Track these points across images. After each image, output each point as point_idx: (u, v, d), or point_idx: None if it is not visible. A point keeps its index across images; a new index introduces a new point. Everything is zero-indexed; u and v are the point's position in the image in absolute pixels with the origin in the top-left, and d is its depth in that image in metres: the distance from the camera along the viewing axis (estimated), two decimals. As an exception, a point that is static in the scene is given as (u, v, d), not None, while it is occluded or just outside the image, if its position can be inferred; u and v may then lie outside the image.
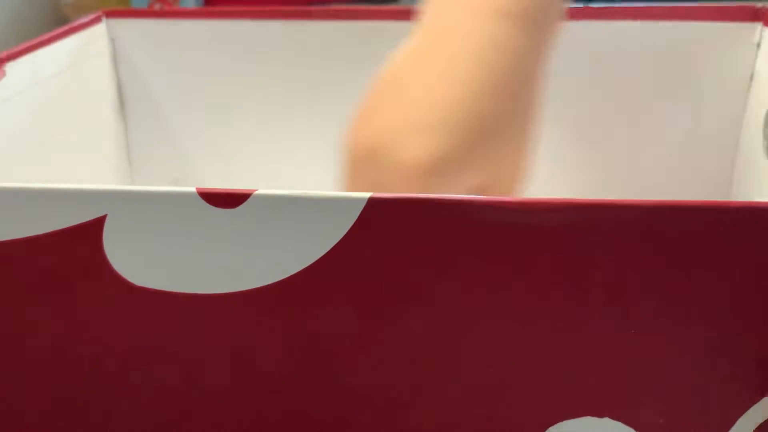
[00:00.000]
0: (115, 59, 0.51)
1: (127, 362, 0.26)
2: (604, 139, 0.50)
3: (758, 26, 0.48)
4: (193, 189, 0.23)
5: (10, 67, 0.40)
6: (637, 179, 0.51)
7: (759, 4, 0.48)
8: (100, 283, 0.24)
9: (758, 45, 0.48)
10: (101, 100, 0.50)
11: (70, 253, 0.24)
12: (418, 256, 0.23)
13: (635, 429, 0.25)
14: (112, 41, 0.50)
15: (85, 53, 0.48)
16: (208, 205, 0.23)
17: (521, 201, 0.22)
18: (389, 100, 0.34)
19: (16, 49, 0.41)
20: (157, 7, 0.73)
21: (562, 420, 0.25)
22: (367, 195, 0.23)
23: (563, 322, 0.24)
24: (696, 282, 0.23)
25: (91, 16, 0.49)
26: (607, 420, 0.25)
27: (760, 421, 0.25)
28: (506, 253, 0.23)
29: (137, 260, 0.24)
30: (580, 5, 0.48)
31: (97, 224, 0.24)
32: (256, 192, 0.23)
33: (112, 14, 0.50)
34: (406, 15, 0.48)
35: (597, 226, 0.23)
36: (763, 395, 0.24)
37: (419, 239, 0.23)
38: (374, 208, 0.23)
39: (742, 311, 0.23)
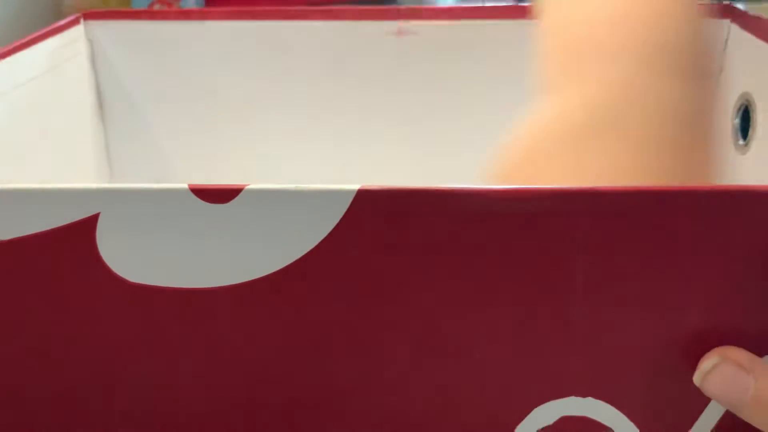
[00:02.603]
0: (93, 61, 0.51)
1: (122, 358, 0.26)
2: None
3: (726, 23, 0.49)
4: (185, 185, 0.24)
5: (-9, 69, 0.41)
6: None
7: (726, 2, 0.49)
8: (94, 281, 0.25)
9: (726, 41, 0.49)
10: (80, 102, 0.50)
11: (64, 252, 0.25)
12: (407, 246, 0.24)
13: (617, 408, 0.26)
14: (91, 43, 0.50)
15: (63, 55, 0.48)
16: (199, 200, 0.24)
17: (504, 189, 0.23)
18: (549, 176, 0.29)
19: (-4, 52, 0.41)
20: (157, 7, 0.73)
21: (547, 401, 0.26)
22: (356, 186, 0.23)
23: (548, 307, 0.25)
24: (675, 266, 0.24)
25: (69, 18, 0.49)
26: (590, 399, 0.26)
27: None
28: (491, 240, 0.24)
29: (131, 257, 0.25)
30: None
31: (91, 222, 0.24)
32: (248, 187, 0.23)
33: (90, 16, 0.50)
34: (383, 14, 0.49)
35: (578, 213, 0.23)
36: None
37: (408, 229, 0.24)
38: (363, 199, 0.23)
39: (718, 296, 0.24)
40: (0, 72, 0.42)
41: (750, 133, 0.46)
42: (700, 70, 0.31)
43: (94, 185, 0.24)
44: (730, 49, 0.49)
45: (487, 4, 0.50)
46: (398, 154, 0.52)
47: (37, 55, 0.45)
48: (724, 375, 0.24)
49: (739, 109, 0.47)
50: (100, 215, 0.24)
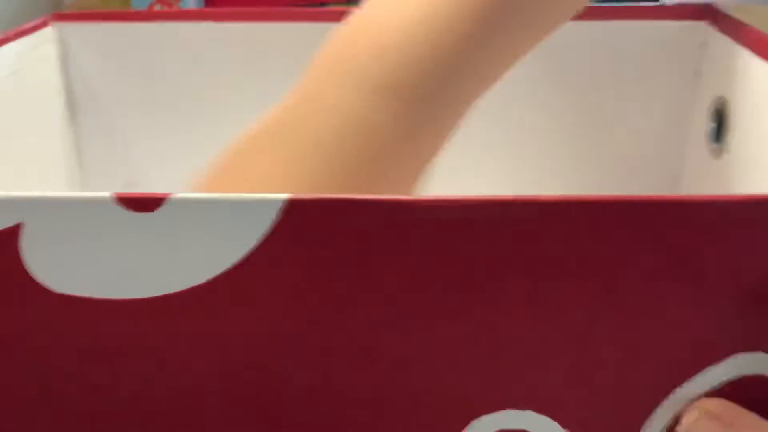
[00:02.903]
0: (64, 63, 0.50)
1: (53, 369, 0.26)
2: (554, 137, 0.51)
3: (702, 25, 0.48)
4: (108, 194, 0.23)
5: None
6: (588, 176, 0.52)
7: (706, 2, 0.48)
8: (20, 292, 0.24)
9: (702, 44, 0.49)
10: (50, 104, 0.50)
11: (-12, 261, 0.24)
12: (338, 256, 0.23)
13: (557, 421, 0.25)
14: (61, 44, 0.50)
15: (32, 57, 0.47)
16: (125, 209, 0.23)
17: (434, 199, 0.23)
18: (231, 177, 0.31)
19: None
20: (157, 7, 0.73)
21: (484, 413, 0.25)
22: (285, 196, 0.23)
23: (487, 316, 0.24)
24: (613, 274, 0.23)
25: (38, 20, 0.48)
26: (529, 413, 0.25)
27: (673, 413, 0.25)
28: (423, 251, 0.23)
29: (57, 267, 0.24)
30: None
31: (14, 232, 0.24)
32: (173, 195, 0.23)
33: (59, 17, 0.50)
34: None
35: (520, 221, 0.23)
36: (677, 386, 0.25)
37: (339, 239, 0.23)
38: (293, 208, 0.23)
39: (661, 302, 0.24)
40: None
41: (724, 136, 0.45)
42: (433, 98, 0.30)
43: (16, 194, 0.23)
44: (706, 51, 0.48)
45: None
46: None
47: (3, 56, 0.44)
48: (705, 429, 0.24)
49: (714, 112, 0.46)
50: (24, 225, 0.24)
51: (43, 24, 0.49)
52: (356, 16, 0.33)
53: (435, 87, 0.31)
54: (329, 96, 0.31)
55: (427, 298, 0.24)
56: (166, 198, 0.23)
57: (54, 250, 0.24)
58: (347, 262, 0.24)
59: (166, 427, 0.27)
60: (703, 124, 0.48)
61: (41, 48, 0.48)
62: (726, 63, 0.45)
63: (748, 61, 0.42)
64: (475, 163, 0.51)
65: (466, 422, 0.26)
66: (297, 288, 0.24)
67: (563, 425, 0.25)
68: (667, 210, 0.22)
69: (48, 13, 0.49)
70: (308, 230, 0.23)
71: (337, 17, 0.48)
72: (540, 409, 0.25)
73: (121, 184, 0.53)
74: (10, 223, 0.23)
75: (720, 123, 0.46)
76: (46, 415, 0.26)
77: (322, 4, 0.77)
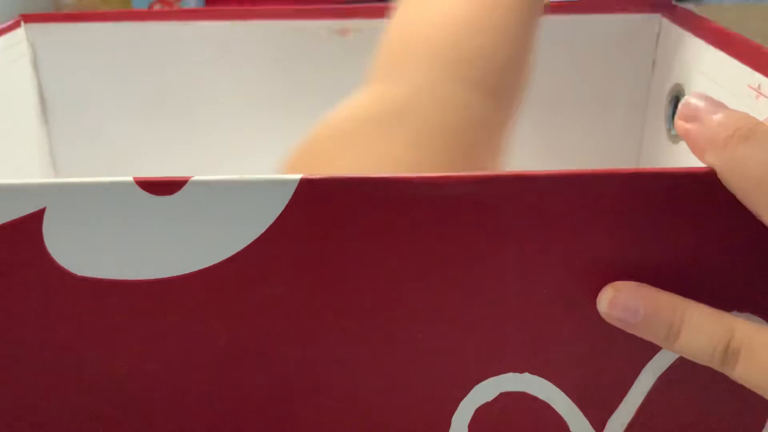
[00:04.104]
0: (35, 63, 0.51)
1: (76, 352, 0.27)
2: (518, 128, 0.53)
3: (657, 17, 0.51)
4: (130, 178, 0.24)
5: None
6: (553, 165, 0.54)
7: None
8: (43, 276, 0.25)
9: (658, 35, 0.51)
10: (22, 105, 0.50)
11: (11, 248, 0.25)
12: (348, 232, 0.25)
13: (553, 382, 0.27)
14: (32, 45, 0.50)
15: (3, 58, 0.47)
16: (145, 193, 0.24)
17: (431, 176, 0.24)
18: (340, 158, 0.32)
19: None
20: (157, 7, 0.73)
21: (487, 377, 0.27)
22: (299, 176, 0.24)
23: (482, 286, 0.26)
24: (596, 244, 0.25)
25: (10, 21, 0.49)
26: (527, 375, 0.27)
27: (660, 372, 0.27)
28: (424, 224, 0.25)
29: (79, 251, 0.25)
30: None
31: (37, 217, 0.24)
32: (193, 178, 0.24)
33: (30, 19, 0.50)
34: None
35: (503, 196, 0.24)
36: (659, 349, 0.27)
37: (348, 216, 0.25)
38: (306, 188, 0.24)
39: (644, 270, 0.26)
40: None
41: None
42: (506, 88, 0.35)
43: (39, 180, 0.24)
44: (662, 42, 0.51)
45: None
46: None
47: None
48: (622, 297, 0.25)
49: (671, 99, 0.49)
50: (46, 210, 0.24)
51: (16, 25, 0.49)
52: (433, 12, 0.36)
53: (514, 82, 0.36)
54: (443, 90, 0.33)
55: (430, 269, 0.25)
56: (186, 181, 0.24)
57: (76, 234, 0.25)
58: (354, 236, 0.25)
59: (177, 404, 0.28)
60: (662, 111, 0.50)
61: (13, 49, 0.49)
62: (681, 52, 0.48)
63: (702, 49, 0.45)
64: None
65: (470, 387, 0.27)
66: (309, 263, 0.25)
67: (559, 386, 0.27)
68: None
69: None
70: (319, 207, 0.24)
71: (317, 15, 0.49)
72: (537, 372, 0.27)
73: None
74: (32, 209, 0.24)
75: (676, 109, 0.48)
76: (70, 396, 0.27)
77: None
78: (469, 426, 0.28)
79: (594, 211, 0.25)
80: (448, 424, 0.28)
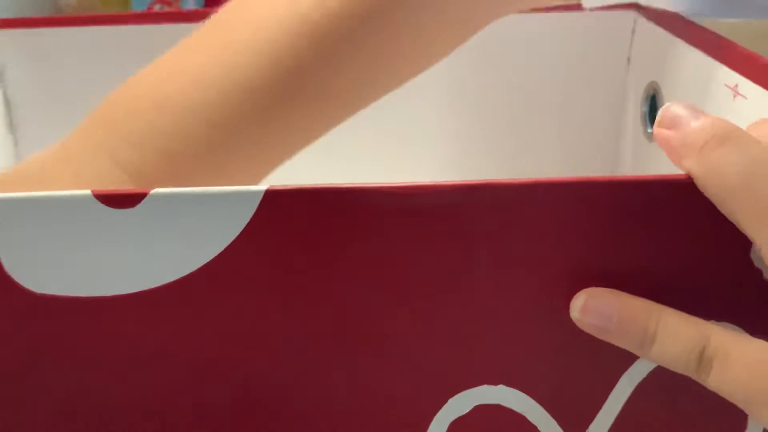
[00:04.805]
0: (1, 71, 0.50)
1: (36, 370, 0.26)
2: (497, 126, 0.52)
3: (632, 13, 0.50)
4: (88, 192, 0.23)
5: None
6: (531, 163, 0.53)
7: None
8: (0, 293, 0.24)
9: (633, 31, 0.51)
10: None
11: (-36, 265, 0.24)
12: (316, 244, 0.24)
13: (527, 393, 0.27)
14: (-2, 52, 0.49)
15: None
16: (104, 206, 0.23)
17: (403, 186, 0.23)
18: None
19: None
20: (157, 8, 0.72)
21: (461, 390, 0.26)
22: (264, 188, 0.23)
23: (453, 298, 0.25)
24: (570, 253, 0.25)
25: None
26: (502, 387, 0.26)
27: (637, 381, 0.27)
28: (391, 235, 0.24)
29: (36, 268, 0.24)
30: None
31: (-9, 233, 0.24)
32: (153, 191, 0.23)
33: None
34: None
35: (475, 206, 0.24)
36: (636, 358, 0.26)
37: (315, 228, 0.24)
38: (271, 200, 0.23)
39: (621, 279, 0.25)
40: None
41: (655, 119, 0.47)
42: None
43: (-8, 195, 0.23)
44: (637, 38, 0.51)
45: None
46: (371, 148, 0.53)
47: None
48: (595, 303, 0.25)
49: (647, 97, 0.49)
50: (1, 225, 0.24)
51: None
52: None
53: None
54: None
55: (401, 279, 0.25)
56: (146, 194, 0.23)
57: (32, 250, 0.24)
58: (322, 248, 0.24)
59: (145, 420, 0.27)
60: (637, 108, 0.50)
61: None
62: (656, 50, 0.48)
63: (677, 47, 0.45)
64: (420, 153, 0.52)
65: (444, 400, 0.27)
66: (275, 275, 0.24)
67: (534, 398, 0.27)
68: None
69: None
70: (285, 219, 0.24)
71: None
72: (512, 384, 0.26)
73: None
74: (-14, 225, 0.23)
75: (653, 108, 0.48)
76: (31, 411, 0.26)
77: None
78: (445, 439, 0.27)
79: (569, 219, 0.24)
80: (424, 438, 0.27)
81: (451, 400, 0.27)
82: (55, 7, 0.71)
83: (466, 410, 0.27)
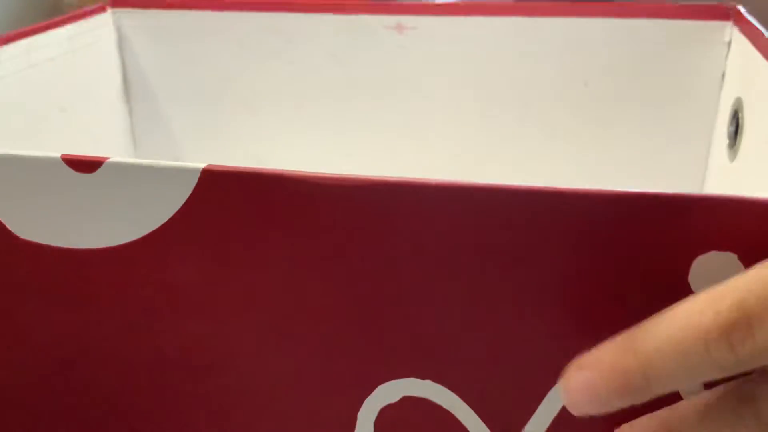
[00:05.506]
0: (120, 47, 0.55)
1: (18, 311, 0.29)
2: (577, 137, 0.51)
3: (728, 25, 0.47)
4: (57, 155, 0.26)
5: (4, 50, 0.45)
6: (609, 178, 0.52)
7: (730, 3, 0.47)
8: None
9: (728, 44, 0.48)
10: (105, 86, 0.54)
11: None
12: (252, 223, 0.26)
13: (453, 391, 0.27)
14: (118, 30, 0.55)
15: (85, 40, 0.52)
16: (70, 170, 0.26)
17: (334, 176, 0.25)
18: None
19: (12, 33, 0.46)
20: None
21: (389, 380, 0.27)
22: (201, 165, 0.25)
23: (384, 286, 0.26)
24: (506, 258, 0.25)
25: (94, 6, 0.53)
26: (428, 382, 0.27)
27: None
28: (321, 223, 0.25)
29: (20, 217, 0.28)
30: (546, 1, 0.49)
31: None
32: (109, 160, 0.26)
33: (116, 4, 0.54)
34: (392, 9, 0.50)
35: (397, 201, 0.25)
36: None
37: (250, 207, 0.26)
38: (208, 178, 0.25)
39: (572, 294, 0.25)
40: (15, 52, 0.46)
41: (738, 138, 0.45)
42: None
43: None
44: (732, 52, 0.48)
45: (488, 1, 0.51)
46: (400, 144, 0.54)
47: (57, 38, 0.49)
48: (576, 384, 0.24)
49: (733, 114, 0.46)
50: (-5, 179, 0.27)
51: (101, 9, 0.53)
52: None
53: None
54: None
55: (331, 263, 0.26)
56: (103, 162, 0.26)
57: (14, 201, 0.27)
58: (257, 227, 0.26)
59: (110, 369, 0.30)
60: (725, 126, 0.47)
61: (96, 32, 0.53)
62: (744, 66, 0.45)
63: (762, 65, 0.42)
64: (498, 159, 0.52)
65: (374, 386, 0.27)
66: (212, 249, 0.26)
67: (461, 396, 0.27)
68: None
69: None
70: (222, 198, 0.26)
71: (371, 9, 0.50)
72: (438, 380, 0.27)
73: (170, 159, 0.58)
74: (-22, 176, 0.27)
75: (736, 126, 0.45)
76: (13, 353, 0.30)
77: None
78: (375, 424, 0.28)
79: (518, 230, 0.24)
80: (354, 421, 0.28)
81: (379, 388, 0.27)
82: (55, 7, 0.76)
83: (395, 399, 0.27)
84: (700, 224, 0.23)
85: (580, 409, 0.23)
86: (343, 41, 0.52)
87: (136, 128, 0.58)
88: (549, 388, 0.26)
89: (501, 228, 0.24)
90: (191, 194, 0.26)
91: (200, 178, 0.25)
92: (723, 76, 0.49)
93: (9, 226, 0.28)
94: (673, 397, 0.24)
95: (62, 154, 0.26)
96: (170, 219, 0.26)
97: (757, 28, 0.43)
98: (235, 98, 0.56)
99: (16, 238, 0.28)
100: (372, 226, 0.25)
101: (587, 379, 0.23)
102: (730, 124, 0.46)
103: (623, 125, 0.51)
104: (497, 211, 0.24)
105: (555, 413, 0.27)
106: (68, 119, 0.51)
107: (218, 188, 0.26)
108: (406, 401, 0.27)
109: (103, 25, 0.54)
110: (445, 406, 0.27)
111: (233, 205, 0.26)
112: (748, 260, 0.23)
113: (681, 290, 0.24)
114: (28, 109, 0.48)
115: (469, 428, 0.27)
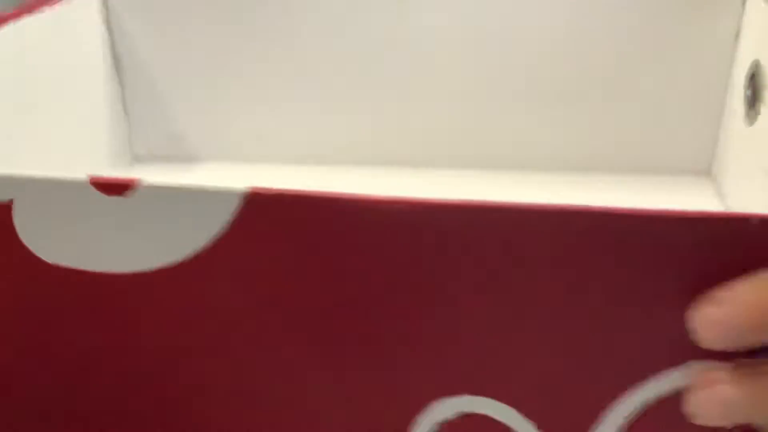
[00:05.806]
0: (108, 25, 0.52)
1: (46, 334, 0.28)
2: (584, 100, 0.50)
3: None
4: (84, 177, 0.25)
5: (-7, 33, 0.42)
6: (619, 140, 0.51)
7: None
8: (16, 261, 0.26)
9: (743, 2, 0.47)
10: (96, 65, 0.52)
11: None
12: (295, 247, 0.25)
13: (512, 406, 0.26)
14: (106, 8, 0.52)
15: (75, 18, 0.49)
16: (98, 193, 0.25)
17: (378, 199, 0.23)
18: None
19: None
20: None
21: (442, 397, 0.26)
22: (246, 188, 0.24)
23: (437, 310, 0.25)
24: (572, 279, 0.24)
25: (80, -19, 0.50)
26: (482, 398, 0.26)
27: (635, 406, 0.26)
28: (375, 246, 0.24)
29: (45, 240, 0.26)
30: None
31: (8, 206, 0.26)
32: (143, 183, 0.24)
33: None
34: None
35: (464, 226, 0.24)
36: (625, 390, 0.25)
37: (296, 231, 0.24)
38: (253, 201, 0.24)
39: (620, 307, 0.24)
40: (6, 34, 0.43)
41: (758, 102, 0.44)
42: None
43: (4, 173, 0.25)
44: (748, 10, 0.46)
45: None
46: (402, 115, 0.53)
47: (46, 19, 0.47)
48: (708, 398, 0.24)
49: (749, 76, 0.45)
50: (15, 201, 0.26)
51: (87, -16, 0.51)
52: None
53: None
54: None
55: (381, 286, 0.25)
56: (136, 185, 0.24)
57: (40, 224, 0.26)
58: (302, 252, 0.25)
59: (146, 396, 0.29)
60: (741, 87, 0.46)
61: (85, 11, 0.50)
62: (762, 25, 0.44)
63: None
64: (507, 123, 0.51)
65: (425, 404, 0.27)
66: (254, 275, 0.25)
67: (525, 414, 0.26)
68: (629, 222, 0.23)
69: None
70: (265, 221, 0.24)
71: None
72: (495, 395, 0.26)
73: (164, 136, 0.56)
74: (4, 199, 0.26)
75: (754, 88, 0.44)
76: (40, 372, 0.29)
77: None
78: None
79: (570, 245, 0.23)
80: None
81: (429, 405, 0.27)
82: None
83: (451, 416, 0.27)
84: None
85: (712, 343, 0.24)
86: (341, 10, 0.50)
87: (129, 105, 0.55)
88: (611, 402, 0.26)
89: (575, 249, 0.23)
90: (232, 220, 0.24)
91: (244, 202, 0.24)
92: (737, 36, 0.48)
93: (36, 251, 0.26)
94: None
95: (90, 177, 0.25)
96: (207, 245, 0.25)
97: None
98: (231, 72, 0.53)
99: (43, 262, 0.27)
100: (431, 249, 0.24)
101: (724, 314, 0.23)
102: (747, 87, 0.45)
103: (632, 88, 0.50)
104: (572, 232, 0.23)
105: (617, 427, 0.26)
106: (58, 98, 0.49)
107: (263, 211, 0.24)
108: (464, 418, 0.27)
109: (89, 3, 0.51)
110: (504, 421, 0.27)
111: (277, 229, 0.24)
112: None
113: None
114: (16, 91, 0.45)
115: (524, 437, 0.27)
